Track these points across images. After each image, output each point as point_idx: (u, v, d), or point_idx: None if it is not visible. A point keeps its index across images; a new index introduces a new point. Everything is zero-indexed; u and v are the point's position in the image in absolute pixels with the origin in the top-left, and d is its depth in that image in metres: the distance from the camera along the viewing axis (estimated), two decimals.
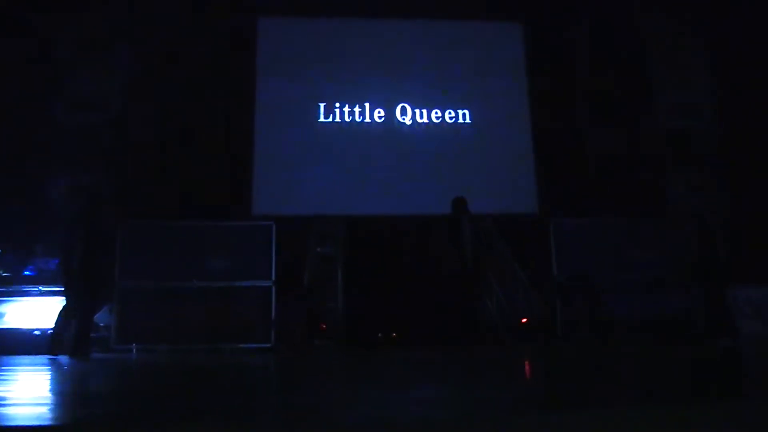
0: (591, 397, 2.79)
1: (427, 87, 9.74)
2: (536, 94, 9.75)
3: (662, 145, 9.52)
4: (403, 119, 9.63)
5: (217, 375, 4.53)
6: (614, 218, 8.31)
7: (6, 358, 6.11)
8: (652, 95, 9.76)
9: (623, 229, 8.16)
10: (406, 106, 9.65)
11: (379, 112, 9.62)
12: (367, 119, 9.60)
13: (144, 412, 2.48)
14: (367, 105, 9.62)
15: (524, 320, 7.61)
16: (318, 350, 7.32)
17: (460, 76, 9.82)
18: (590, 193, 9.11)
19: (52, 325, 6.26)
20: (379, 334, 7.97)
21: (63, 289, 6.30)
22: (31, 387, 3.85)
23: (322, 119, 9.52)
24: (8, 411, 2.61)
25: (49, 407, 2.77)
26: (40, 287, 7.49)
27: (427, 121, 9.66)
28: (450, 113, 9.71)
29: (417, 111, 9.67)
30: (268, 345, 7.33)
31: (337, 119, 9.55)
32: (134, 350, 7.09)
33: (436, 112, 9.70)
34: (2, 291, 7.45)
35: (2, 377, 4.35)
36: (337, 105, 9.58)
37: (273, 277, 7.55)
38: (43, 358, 6.02)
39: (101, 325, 7.22)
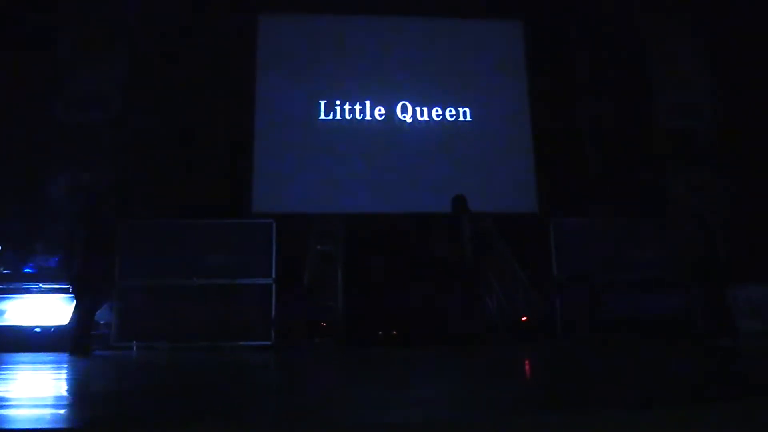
0: (591, 397, 2.80)
1: (427, 85, 9.74)
2: (536, 92, 9.74)
3: (662, 145, 9.51)
4: (404, 117, 9.63)
5: (217, 373, 4.53)
6: (614, 218, 8.31)
7: (6, 356, 6.12)
8: (652, 95, 9.75)
9: (623, 229, 8.16)
10: (407, 104, 9.65)
11: (379, 110, 9.62)
12: (368, 117, 9.59)
13: (144, 412, 2.48)
14: (367, 103, 9.62)
15: (524, 319, 7.62)
16: (318, 348, 7.33)
17: (461, 74, 9.81)
18: (590, 193, 9.11)
19: (56, 324, 6.30)
20: (379, 333, 7.98)
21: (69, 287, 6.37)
22: (31, 387, 3.85)
23: (322, 117, 9.52)
24: (8, 413, 2.61)
25: (49, 409, 2.78)
26: (41, 284, 7.50)
27: (427, 119, 9.66)
28: (450, 111, 9.71)
29: (417, 109, 9.67)
30: (268, 343, 7.34)
31: (338, 117, 9.54)
32: (135, 348, 7.10)
33: (437, 110, 9.70)
34: (2, 288, 7.46)
35: (3, 377, 4.36)
36: (338, 103, 9.58)
37: (273, 275, 7.56)
38: (45, 356, 6.04)
39: (101, 322, 7.23)
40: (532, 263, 8.01)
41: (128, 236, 7.56)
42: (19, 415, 2.57)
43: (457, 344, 6.80)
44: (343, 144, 9.43)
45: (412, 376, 4.19)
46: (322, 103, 9.53)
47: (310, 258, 8.05)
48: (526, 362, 5.27)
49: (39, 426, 2.23)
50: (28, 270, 7.79)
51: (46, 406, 2.86)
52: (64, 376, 4.47)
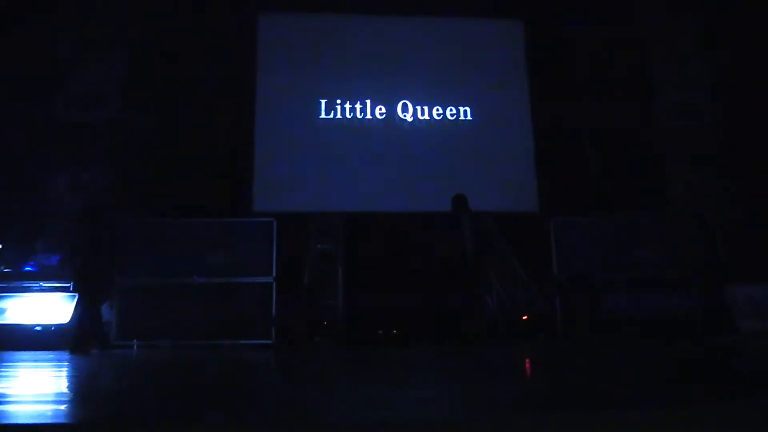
0: (591, 397, 2.80)
1: (428, 84, 9.73)
2: (537, 92, 9.74)
3: (662, 145, 9.51)
4: (404, 116, 9.62)
5: (217, 373, 4.54)
6: (614, 217, 8.31)
7: (7, 354, 6.12)
8: (652, 95, 9.75)
9: (623, 228, 8.17)
10: (407, 103, 9.65)
11: (380, 109, 9.61)
12: (368, 116, 9.59)
13: (144, 412, 2.49)
14: (368, 102, 9.62)
15: (525, 317, 7.62)
16: (318, 347, 7.33)
17: (462, 73, 9.80)
18: (590, 193, 9.11)
19: (57, 322, 6.32)
20: (379, 332, 7.98)
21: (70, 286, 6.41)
22: (32, 384, 3.86)
23: (323, 116, 9.51)
24: (9, 408, 2.62)
25: (50, 405, 2.78)
26: (41, 283, 7.52)
27: (428, 118, 9.66)
28: (451, 110, 9.70)
29: (418, 108, 9.67)
30: (269, 341, 7.35)
31: (338, 116, 9.54)
32: (135, 346, 7.11)
33: (437, 109, 9.70)
34: (3, 287, 7.48)
35: (4, 374, 4.36)
36: (338, 102, 9.57)
37: (273, 274, 7.57)
38: (45, 354, 6.04)
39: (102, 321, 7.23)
40: (532, 263, 8.00)
41: (129, 235, 7.56)
42: (20, 411, 2.58)
43: (457, 344, 6.80)
44: (343, 143, 9.43)
45: (412, 375, 4.19)
46: (323, 102, 9.53)
47: (310, 257, 8.05)
48: (527, 362, 5.27)
49: (40, 421, 2.23)
50: (28, 268, 7.81)
51: (47, 402, 2.86)
52: (65, 374, 4.47)
